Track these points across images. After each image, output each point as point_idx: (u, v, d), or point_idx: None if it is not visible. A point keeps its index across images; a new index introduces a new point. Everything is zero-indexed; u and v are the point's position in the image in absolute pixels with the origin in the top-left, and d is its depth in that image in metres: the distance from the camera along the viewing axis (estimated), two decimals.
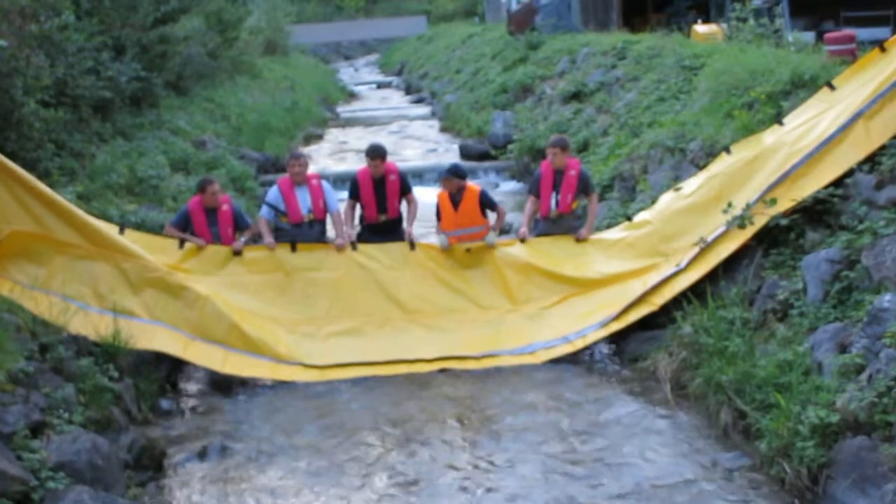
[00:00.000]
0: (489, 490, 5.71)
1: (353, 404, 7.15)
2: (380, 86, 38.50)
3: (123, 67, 12.83)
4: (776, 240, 7.21)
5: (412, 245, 8.55)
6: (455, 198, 8.57)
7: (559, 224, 8.63)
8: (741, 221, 7.38)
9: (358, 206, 8.81)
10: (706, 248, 7.60)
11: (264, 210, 8.72)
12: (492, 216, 8.70)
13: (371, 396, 7.27)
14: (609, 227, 9.02)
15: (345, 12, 61.18)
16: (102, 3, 13.22)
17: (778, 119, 8.12)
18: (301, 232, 8.52)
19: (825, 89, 7.88)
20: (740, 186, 7.74)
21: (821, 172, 7.18)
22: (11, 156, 7.57)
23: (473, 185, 8.86)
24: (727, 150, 8.24)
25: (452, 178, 8.57)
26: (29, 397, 5.60)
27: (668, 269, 7.78)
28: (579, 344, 7.76)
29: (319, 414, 7.01)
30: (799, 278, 6.60)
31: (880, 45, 7.71)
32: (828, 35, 9.43)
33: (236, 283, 8.14)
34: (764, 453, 5.52)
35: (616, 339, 7.83)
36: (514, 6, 28.43)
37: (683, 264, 7.66)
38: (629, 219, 8.68)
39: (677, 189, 8.44)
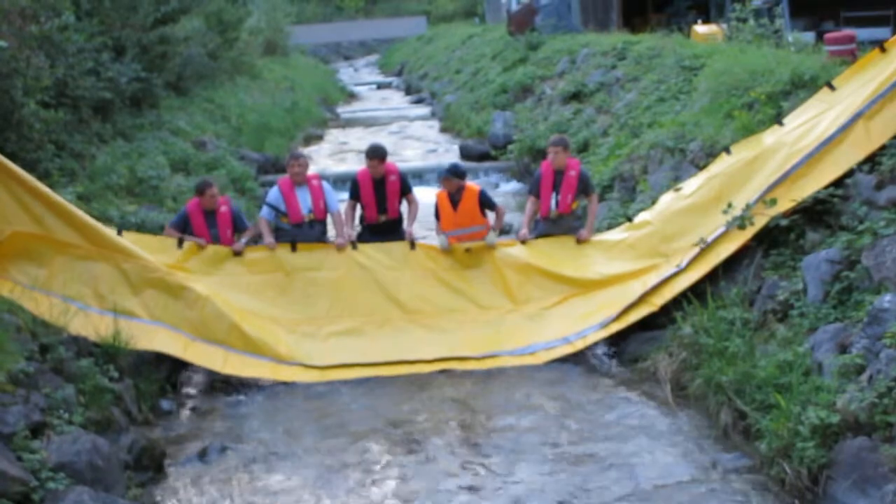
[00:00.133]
0: (489, 491, 5.71)
1: (354, 405, 7.15)
2: (380, 86, 38.49)
3: (123, 68, 12.83)
4: (776, 240, 7.21)
5: (412, 245, 8.55)
6: (454, 198, 8.57)
7: (559, 224, 8.63)
8: (741, 222, 7.38)
9: (358, 207, 8.81)
10: (706, 248, 7.60)
11: (265, 210, 8.72)
12: (491, 216, 8.70)
13: (371, 397, 7.27)
14: (609, 227, 9.02)
15: (345, 13, 61.18)
16: (102, 3, 13.22)
17: (778, 119, 8.12)
18: (301, 232, 8.52)
19: (825, 89, 7.88)
20: (740, 187, 7.74)
21: (821, 173, 7.18)
22: (11, 156, 7.57)
23: (472, 184, 8.87)
24: (727, 150, 8.24)
25: (452, 177, 8.57)
26: (29, 398, 5.60)
27: (668, 270, 7.78)
28: (580, 345, 7.76)
29: (320, 415, 7.01)
30: (799, 279, 6.60)
31: (880, 45, 7.71)
32: (828, 35, 9.43)
33: (236, 283, 8.14)
34: (764, 454, 5.52)
35: (616, 339, 7.82)
36: (514, 6, 28.43)
37: (683, 265, 7.66)
38: (629, 219, 8.68)
39: (677, 189, 8.44)
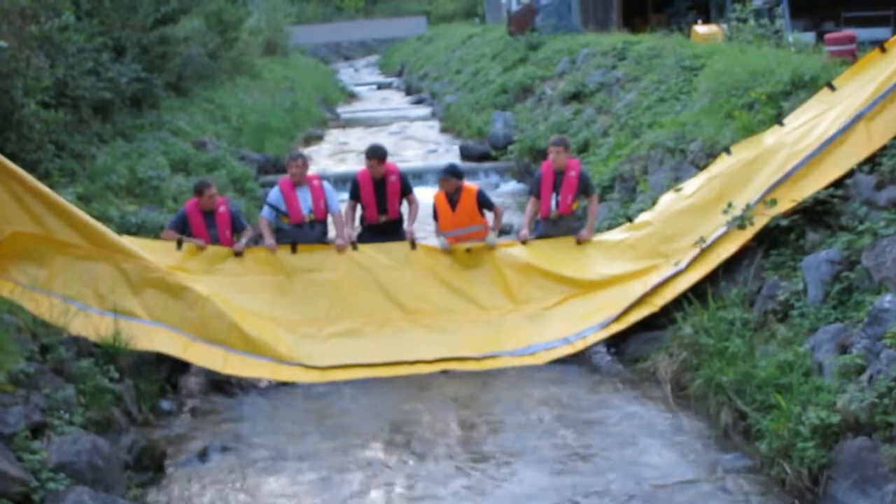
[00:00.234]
0: (490, 491, 5.71)
1: (354, 405, 7.15)
2: (380, 86, 38.50)
3: (124, 68, 12.82)
4: (776, 240, 7.21)
5: (413, 245, 8.55)
6: (452, 198, 8.58)
7: (559, 225, 8.64)
8: (741, 222, 7.39)
9: (358, 207, 8.81)
10: (707, 249, 7.60)
11: (265, 210, 8.72)
12: (489, 216, 8.71)
13: (371, 397, 7.27)
14: (609, 228, 9.02)
15: (345, 13, 61.17)
16: (103, 3, 13.22)
17: (778, 120, 8.12)
18: (302, 232, 8.52)
19: (825, 90, 7.88)
20: (741, 187, 7.74)
21: (821, 173, 7.18)
22: (12, 157, 7.57)
23: (470, 184, 8.87)
24: (727, 150, 8.24)
25: (450, 178, 8.58)
26: (29, 398, 5.60)
27: (668, 270, 7.78)
28: (580, 345, 7.75)
29: (320, 415, 7.01)
30: (799, 279, 6.60)
31: (881, 45, 7.71)
32: (828, 35, 9.44)
33: (237, 284, 8.14)
34: (764, 454, 5.52)
35: (616, 339, 7.83)
36: (515, 7, 28.43)
37: (684, 265, 7.66)
38: (630, 220, 8.68)
39: (678, 190, 8.44)
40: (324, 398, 7.31)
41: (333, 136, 22.82)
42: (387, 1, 63.03)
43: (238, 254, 8.29)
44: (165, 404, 7.18)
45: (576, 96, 15.53)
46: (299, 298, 8.23)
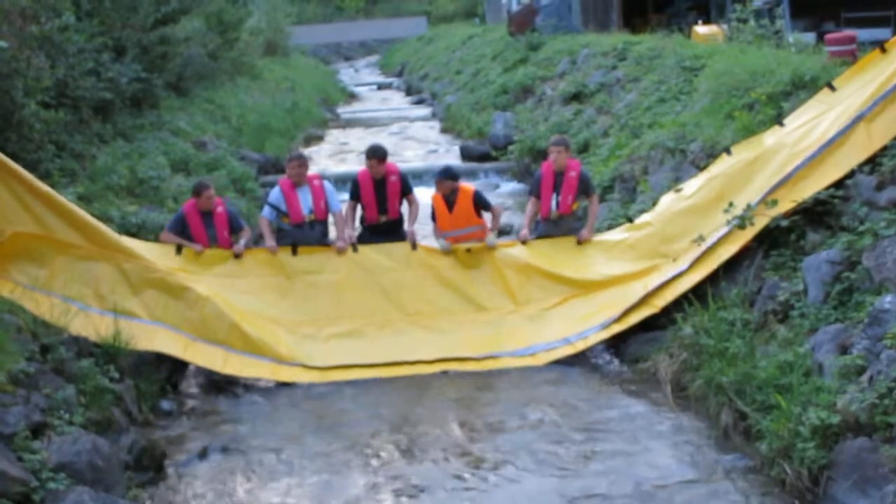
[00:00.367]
0: (490, 492, 5.71)
1: (354, 406, 7.15)
2: (380, 87, 38.50)
3: (124, 68, 12.82)
4: (777, 241, 7.21)
5: (414, 245, 8.55)
6: (449, 199, 8.58)
7: (560, 225, 8.64)
8: (742, 222, 7.39)
9: (359, 207, 8.81)
10: (707, 250, 7.60)
11: (266, 210, 8.72)
12: (487, 216, 8.71)
13: (372, 397, 7.27)
14: (609, 228, 9.02)
15: (345, 13, 61.18)
16: (103, 4, 13.22)
17: (778, 120, 8.12)
18: (302, 233, 8.52)
19: (826, 90, 7.88)
20: (741, 187, 7.74)
21: (822, 175, 7.18)
22: (12, 157, 7.56)
23: (467, 185, 8.88)
24: (728, 151, 8.23)
25: (445, 179, 8.59)
26: (30, 398, 5.60)
27: (669, 271, 7.78)
28: (580, 346, 7.75)
29: (320, 416, 7.01)
30: (799, 279, 6.60)
31: (881, 45, 7.71)
32: (828, 36, 9.44)
33: (237, 285, 8.13)
34: (764, 454, 5.52)
35: (617, 340, 7.82)
36: (515, 7, 28.44)
37: (685, 266, 7.66)
38: (630, 220, 8.68)
39: (678, 190, 8.44)
40: (324, 399, 7.31)
41: (334, 136, 22.82)
42: (387, 1, 63.04)
43: (238, 256, 8.29)
44: (165, 404, 7.18)
45: (576, 97, 15.53)
46: (300, 300, 8.23)
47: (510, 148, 15.55)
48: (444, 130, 21.77)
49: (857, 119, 7.18)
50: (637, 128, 11.77)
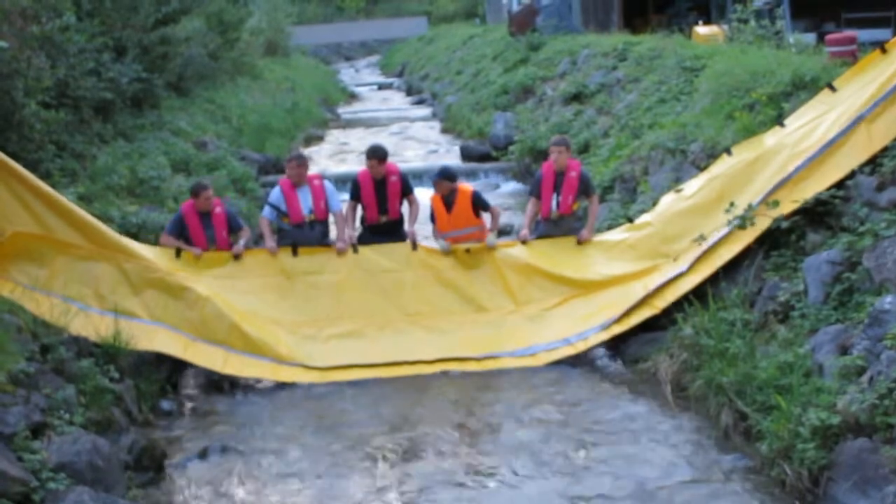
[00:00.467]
0: (490, 492, 5.71)
1: (354, 406, 7.15)
2: (381, 87, 38.50)
3: (124, 68, 12.83)
4: (777, 241, 7.21)
5: (414, 245, 8.55)
6: (448, 200, 8.59)
7: (560, 225, 8.64)
8: (742, 223, 7.39)
9: (359, 208, 8.81)
10: (708, 250, 7.59)
11: (266, 210, 8.72)
12: (486, 217, 8.71)
13: (372, 398, 7.27)
14: (610, 228, 9.02)
15: (345, 13, 61.17)
16: (103, 4, 13.22)
17: (779, 120, 8.12)
18: (302, 233, 8.51)
19: (826, 91, 7.88)
20: (741, 188, 7.74)
21: (822, 175, 7.17)
22: (13, 157, 7.57)
23: (465, 186, 8.88)
24: (728, 151, 8.23)
25: (443, 180, 8.60)
26: (30, 398, 5.61)
27: (669, 272, 7.77)
28: (580, 346, 7.75)
29: (320, 416, 7.01)
30: (800, 280, 6.59)
31: (881, 46, 7.71)
32: (829, 36, 9.44)
33: (237, 286, 8.13)
34: (765, 455, 5.52)
35: (617, 340, 7.81)
36: (515, 7, 28.44)
37: (685, 267, 7.65)
38: (630, 220, 8.68)
39: (678, 190, 8.44)
40: (324, 399, 7.31)
41: (334, 136, 22.83)
42: (388, 1, 63.04)
43: (237, 257, 8.29)
44: (165, 404, 7.18)
45: (576, 97, 15.53)
46: (300, 300, 8.22)
47: (510, 148, 15.55)
48: (444, 131, 21.77)
49: (858, 120, 7.18)
50: (637, 128, 11.76)
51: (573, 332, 7.87)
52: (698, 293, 7.32)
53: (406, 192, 8.77)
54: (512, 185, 15.22)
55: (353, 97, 33.97)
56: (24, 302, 6.89)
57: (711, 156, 8.68)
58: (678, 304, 7.39)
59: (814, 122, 7.66)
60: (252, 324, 7.82)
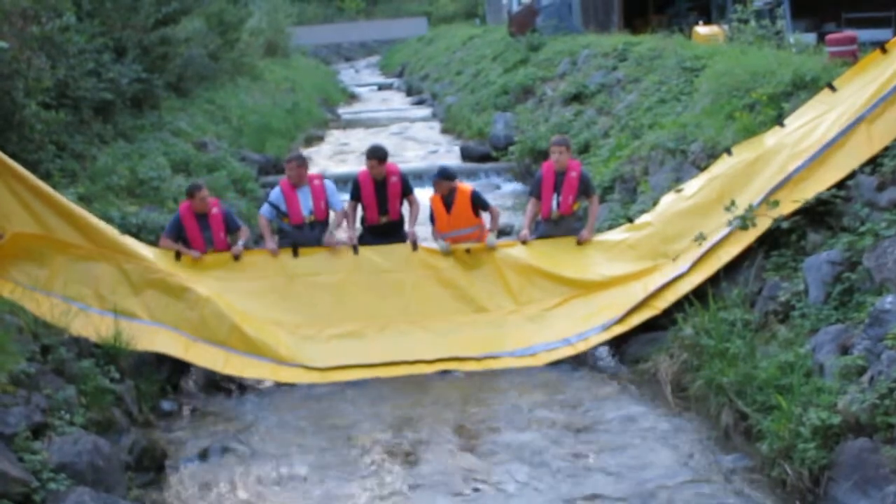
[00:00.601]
0: (490, 492, 5.71)
1: (354, 406, 7.15)
2: (381, 87, 38.50)
3: (124, 69, 12.83)
4: (777, 241, 7.20)
5: (415, 246, 8.54)
6: (447, 200, 8.59)
7: (560, 225, 8.64)
8: (742, 223, 7.39)
9: (359, 208, 8.81)
10: (709, 251, 7.59)
11: (265, 208, 8.73)
12: (485, 216, 8.71)
13: (372, 398, 7.27)
14: (610, 228, 9.02)
15: (345, 14, 61.17)
16: (104, 4, 13.23)
17: (779, 121, 8.12)
18: (302, 233, 8.52)
19: (826, 91, 7.88)
20: (742, 188, 7.74)
21: (823, 176, 7.17)
22: (13, 157, 7.58)
23: (464, 185, 8.88)
24: (728, 151, 8.23)
25: (443, 180, 8.60)
26: (30, 399, 5.61)
27: (670, 273, 7.77)
28: (580, 346, 7.75)
29: (320, 416, 7.01)
30: (800, 280, 6.59)
31: (881, 46, 7.71)
32: (829, 36, 9.43)
33: (237, 286, 8.13)
34: (765, 455, 5.52)
35: (617, 340, 7.81)
36: (515, 8, 28.45)
37: (686, 269, 7.65)
38: (630, 220, 8.68)
39: (678, 190, 8.44)
40: (324, 399, 7.31)
41: (334, 136, 22.83)
42: (387, 2, 63.05)
43: (237, 257, 8.29)
44: (166, 405, 7.18)
45: (577, 97, 15.53)
46: (300, 301, 8.22)
47: (511, 148, 15.56)
48: (444, 131, 21.78)
49: (858, 120, 7.18)
50: (638, 128, 11.77)
51: (573, 332, 7.87)
52: (699, 293, 7.32)
53: (406, 192, 8.77)
54: (512, 186, 15.23)
55: (353, 98, 33.98)
56: (25, 302, 6.89)
57: (712, 156, 8.68)
58: (678, 304, 7.39)
59: (814, 121, 7.66)
60: (252, 324, 7.82)
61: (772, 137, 7.97)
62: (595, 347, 7.83)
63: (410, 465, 6.12)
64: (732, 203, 7.53)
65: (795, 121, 7.90)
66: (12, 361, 5.79)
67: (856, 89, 7.54)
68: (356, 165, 14.95)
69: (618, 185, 10.55)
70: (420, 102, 29.37)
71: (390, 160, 8.87)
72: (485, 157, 16.74)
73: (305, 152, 18.89)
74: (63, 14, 10.35)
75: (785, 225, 7.12)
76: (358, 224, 8.88)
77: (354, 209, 8.81)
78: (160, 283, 7.72)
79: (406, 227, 8.76)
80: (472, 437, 6.53)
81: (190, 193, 8.39)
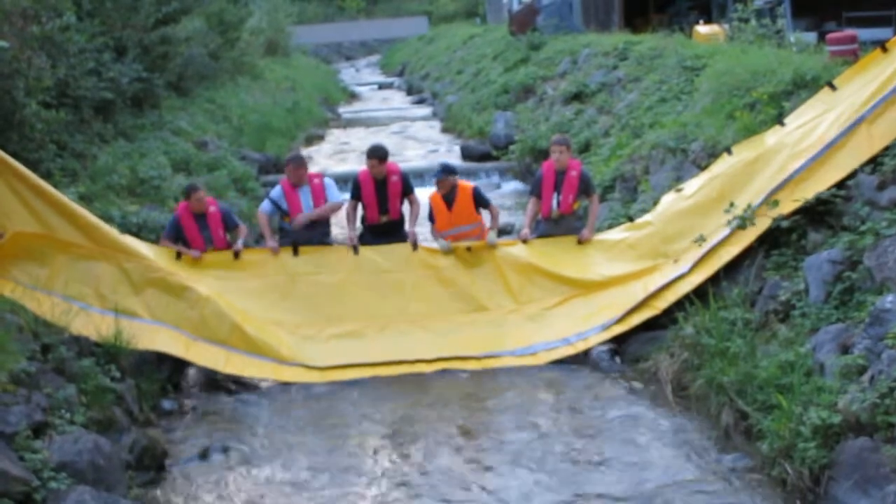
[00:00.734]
0: (490, 491, 5.70)
1: (355, 406, 7.15)
2: (381, 86, 38.51)
3: (125, 68, 12.83)
4: (778, 240, 7.20)
5: (415, 246, 8.55)
6: (448, 197, 8.59)
7: (560, 225, 8.64)
8: (742, 223, 7.38)
9: (360, 207, 8.81)
10: (710, 251, 7.59)
11: (265, 204, 8.75)
12: (485, 214, 8.71)
13: (372, 397, 7.27)
14: (610, 227, 9.02)
15: (346, 13, 61.18)
16: (104, 4, 13.23)
17: (779, 120, 8.12)
18: (303, 233, 8.52)
19: (826, 89, 7.88)
20: (742, 187, 7.74)
21: (823, 176, 7.17)
22: (13, 156, 7.57)
23: (465, 183, 8.89)
24: (729, 150, 8.23)
25: (447, 175, 8.60)
26: (31, 398, 5.60)
27: (670, 273, 7.77)
28: (580, 346, 7.75)
29: (321, 415, 7.01)
30: (801, 279, 6.59)
31: (882, 45, 7.71)
32: (830, 35, 9.43)
33: (238, 286, 8.14)
34: (766, 454, 5.52)
35: (617, 339, 7.81)
36: (516, 7, 28.44)
37: (686, 269, 7.65)
38: (631, 220, 8.68)
39: (679, 190, 8.44)
40: (325, 399, 7.31)
41: (335, 135, 22.83)
42: (388, 1, 63.04)
43: (237, 254, 8.30)
44: (167, 404, 7.18)
45: (577, 96, 15.53)
46: (301, 301, 8.22)
47: (511, 148, 15.56)
48: (444, 130, 21.78)
49: (859, 121, 7.17)
50: (638, 127, 11.77)
51: (573, 331, 7.87)
52: (699, 292, 7.32)
53: (407, 191, 8.77)
54: (512, 185, 15.23)
55: (353, 97, 33.99)
56: (26, 301, 6.89)
57: (712, 155, 8.68)
58: (679, 304, 7.39)
59: (814, 121, 7.65)
60: (253, 324, 7.82)
61: (772, 136, 7.97)
62: (595, 346, 7.82)
63: (410, 465, 6.12)
64: (732, 205, 7.52)
65: (796, 120, 7.90)
66: (13, 360, 5.79)
67: (856, 88, 7.54)
68: (356, 164, 14.96)
69: (618, 184, 10.55)
70: (420, 101, 29.37)
71: (391, 159, 8.86)
72: (485, 157, 16.75)
73: (306, 151, 18.94)
74: (63, 14, 10.35)
75: (785, 224, 7.11)
76: (358, 223, 8.88)
77: (355, 208, 8.81)
78: (161, 282, 7.73)
79: (406, 226, 8.76)
80: (472, 437, 6.53)
81: (186, 195, 8.40)
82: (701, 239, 7.73)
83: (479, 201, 8.66)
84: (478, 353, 7.80)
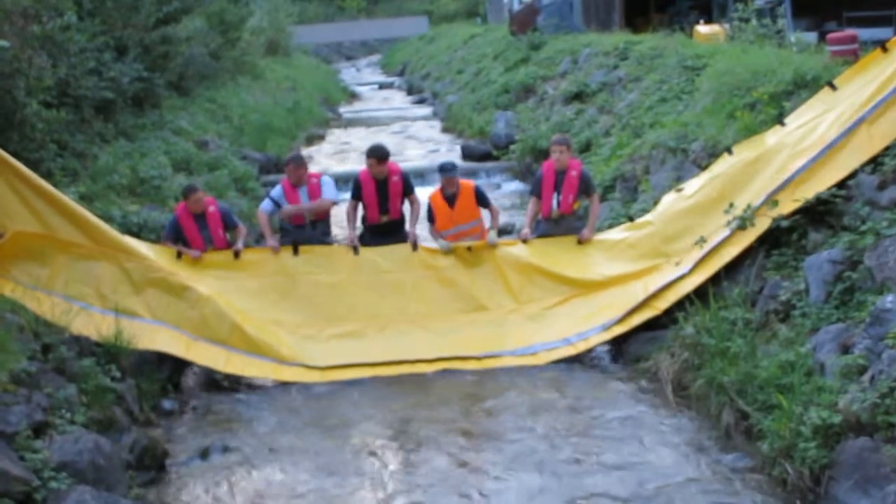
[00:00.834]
0: (490, 492, 5.71)
1: (355, 406, 7.15)
2: (382, 86, 38.51)
3: (125, 68, 12.84)
4: (778, 240, 7.20)
5: (415, 246, 8.55)
6: (450, 196, 8.59)
7: (561, 225, 8.64)
8: (742, 223, 7.38)
9: (360, 207, 8.81)
10: (710, 251, 7.59)
11: (265, 203, 8.75)
12: (485, 213, 8.71)
13: (373, 397, 7.27)
14: (611, 227, 9.02)
15: (346, 13, 61.18)
16: (105, 3, 13.23)
17: (780, 120, 8.12)
18: (303, 232, 8.53)
19: (827, 89, 7.87)
20: (742, 187, 7.73)
21: (823, 176, 7.16)
22: (14, 156, 7.57)
23: (466, 181, 8.89)
24: (729, 150, 8.23)
25: (450, 172, 8.60)
26: (31, 397, 5.61)
27: (671, 273, 7.77)
28: (581, 346, 7.75)
29: (321, 415, 7.02)
30: (801, 279, 6.59)
31: (882, 45, 7.71)
32: (830, 35, 9.43)
33: (238, 285, 8.14)
34: (766, 454, 5.52)
35: (618, 339, 7.81)
36: (516, 6, 28.44)
37: (687, 269, 7.65)
38: (631, 219, 8.68)
39: (679, 190, 8.44)
40: (325, 399, 7.31)
41: (335, 135, 22.84)
42: (388, 1, 63.03)
43: (237, 254, 8.30)
44: (167, 404, 7.18)
45: (578, 96, 15.53)
46: (301, 300, 8.22)
47: (511, 147, 15.57)
48: (445, 130, 21.78)
49: (859, 121, 7.17)
50: (638, 127, 11.77)
51: (574, 331, 7.87)
52: (699, 292, 7.32)
53: (407, 191, 8.76)
54: (513, 185, 15.23)
55: (354, 96, 34.00)
56: (26, 301, 6.89)
57: (713, 155, 8.68)
58: (679, 304, 7.39)
59: (814, 121, 7.65)
60: (253, 324, 7.82)
61: (772, 136, 7.97)
62: (595, 346, 7.82)
63: (411, 465, 6.12)
64: (731, 205, 7.52)
65: (796, 120, 7.90)
66: (13, 360, 5.79)
67: (856, 88, 7.54)
68: (357, 164, 14.95)
69: (619, 183, 10.55)
70: (421, 101, 29.37)
71: (391, 159, 8.85)
72: (485, 156, 16.75)
73: (306, 151, 18.95)
74: (64, 13, 10.35)
75: (785, 224, 7.11)
76: (359, 223, 8.87)
77: (355, 208, 8.80)
78: (161, 281, 7.73)
79: (407, 226, 8.76)
80: (472, 437, 6.53)
81: (185, 195, 8.41)
82: (702, 240, 7.73)
83: (481, 200, 8.67)
84: (478, 353, 7.80)
